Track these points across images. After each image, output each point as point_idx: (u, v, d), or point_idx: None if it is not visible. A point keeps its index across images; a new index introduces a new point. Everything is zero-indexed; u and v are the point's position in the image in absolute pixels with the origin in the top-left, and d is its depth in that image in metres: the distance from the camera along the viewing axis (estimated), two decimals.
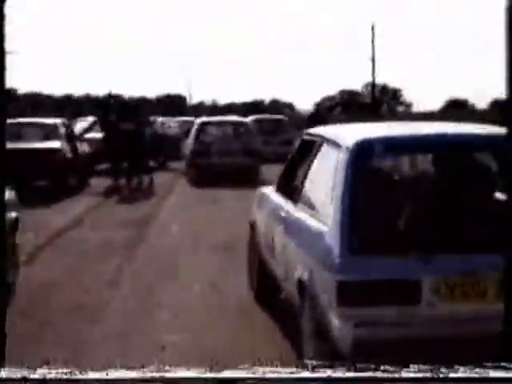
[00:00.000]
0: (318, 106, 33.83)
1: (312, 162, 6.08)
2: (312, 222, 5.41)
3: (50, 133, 18.61)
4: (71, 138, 19.34)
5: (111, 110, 20.17)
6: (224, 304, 7.76)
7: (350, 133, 5.72)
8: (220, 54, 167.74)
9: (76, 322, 7.16)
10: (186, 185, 20.60)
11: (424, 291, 4.65)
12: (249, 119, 25.57)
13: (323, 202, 5.29)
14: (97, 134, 20.82)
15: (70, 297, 8.13)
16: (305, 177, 6.13)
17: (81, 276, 9.18)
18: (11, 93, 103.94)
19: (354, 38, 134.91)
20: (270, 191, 7.43)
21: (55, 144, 18.07)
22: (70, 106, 78.66)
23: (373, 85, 62.79)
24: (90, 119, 22.62)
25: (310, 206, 5.71)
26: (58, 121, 19.64)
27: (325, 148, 5.82)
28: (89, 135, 21.61)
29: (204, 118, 24.18)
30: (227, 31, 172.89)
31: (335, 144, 5.50)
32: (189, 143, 21.67)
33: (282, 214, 6.29)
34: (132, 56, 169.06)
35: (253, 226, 7.95)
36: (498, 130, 5.34)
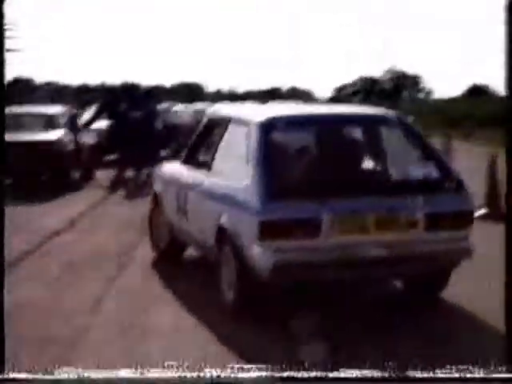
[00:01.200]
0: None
1: (221, 137, 7.41)
2: (230, 182, 6.74)
3: (48, 123, 17.09)
4: (74, 127, 17.75)
5: (119, 98, 18.63)
6: None
7: (255, 113, 7.22)
8: (236, 41, 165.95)
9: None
10: None
11: (322, 226, 6.06)
12: None
13: (238, 166, 6.61)
14: (104, 123, 19.28)
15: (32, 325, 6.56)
16: (215, 150, 7.44)
17: (56, 298, 7.53)
18: (28, 82, 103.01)
19: (374, 22, 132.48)
20: (173, 165, 8.70)
21: (53, 135, 16.56)
22: (87, 96, 77.12)
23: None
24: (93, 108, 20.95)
25: (225, 171, 7.04)
26: (58, 109, 18.06)
27: (232, 125, 7.22)
28: (95, 125, 20.12)
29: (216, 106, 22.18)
30: (244, 16, 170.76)
31: (244, 122, 6.97)
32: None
33: (196, 181, 7.56)
34: (148, 44, 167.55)
35: (156, 197, 9.00)
36: (372, 111, 7.67)
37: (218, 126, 7.71)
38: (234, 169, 6.80)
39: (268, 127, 6.61)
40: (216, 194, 6.97)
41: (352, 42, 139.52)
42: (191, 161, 8.12)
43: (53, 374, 4.96)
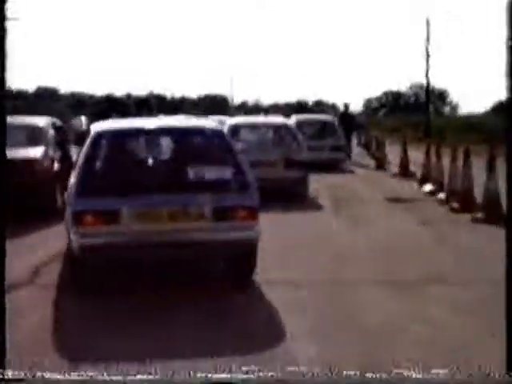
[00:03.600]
0: (346, 106, 28.83)
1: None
2: (72, 181, 7.77)
3: (31, 137, 13.70)
4: (63, 143, 14.40)
5: (108, 108, 15.43)
6: None
7: (99, 125, 8.68)
8: (263, 54, 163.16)
9: None
10: None
11: (122, 216, 7.26)
12: (291, 120, 20.29)
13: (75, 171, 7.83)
14: None
15: None
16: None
17: None
18: (53, 92, 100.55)
19: (398, 38, 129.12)
20: None
21: (35, 151, 13.19)
22: (111, 105, 74.40)
23: (427, 87, 56.89)
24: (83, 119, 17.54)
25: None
26: (43, 121, 14.63)
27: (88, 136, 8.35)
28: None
29: (237, 118, 18.73)
30: (271, 30, 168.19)
31: (90, 133, 8.36)
32: None
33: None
34: (175, 56, 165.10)
35: None
36: (194, 123, 9.80)
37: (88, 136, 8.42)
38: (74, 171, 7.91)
39: (97, 138, 7.99)
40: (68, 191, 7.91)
41: (378, 56, 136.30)
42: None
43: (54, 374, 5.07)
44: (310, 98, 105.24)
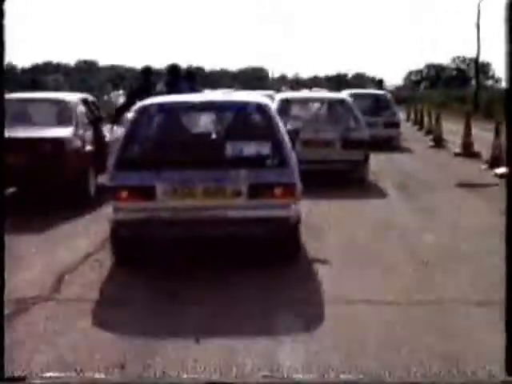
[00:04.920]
0: (380, 82, 26.80)
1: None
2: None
3: (60, 114, 12.00)
4: (96, 121, 12.70)
5: (152, 80, 13.83)
6: None
7: (145, 101, 8.22)
8: (302, 27, 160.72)
9: None
10: None
11: (157, 192, 7.11)
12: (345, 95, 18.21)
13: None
14: None
15: None
16: None
17: None
18: (92, 65, 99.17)
19: (443, 10, 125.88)
20: None
21: (64, 131, 11.48)
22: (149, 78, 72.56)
23: (476, 60, 54.49)
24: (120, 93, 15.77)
25: None
26: (74, 97, 12.89)
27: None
28: (129, 117, 15.18)
29: (287, 93, 16.69)
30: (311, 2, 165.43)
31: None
32: None
33: None
34: (214, 28, 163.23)
35: None
36: (241, 98, 9.31)
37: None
38: None
39: (140, 112, 7.79)
40: None
41: (421, 28, 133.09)
42: None
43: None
44: (350, 71, 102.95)
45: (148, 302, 6.58)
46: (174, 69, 14.75)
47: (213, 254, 8.11)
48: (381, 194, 12.82)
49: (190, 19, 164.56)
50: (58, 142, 11.05)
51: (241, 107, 8.13)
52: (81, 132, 11.87)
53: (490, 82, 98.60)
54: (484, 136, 19.50)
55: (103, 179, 13.03)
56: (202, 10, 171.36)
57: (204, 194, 7.17)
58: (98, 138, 12.50)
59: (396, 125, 21.48)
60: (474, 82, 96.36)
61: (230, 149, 7.41)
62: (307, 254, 8.12)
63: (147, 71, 14.33)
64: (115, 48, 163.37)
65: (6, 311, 6.14)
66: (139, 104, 8.14)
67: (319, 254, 8.09)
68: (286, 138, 7.58)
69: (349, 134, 13.68)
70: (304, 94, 16.12)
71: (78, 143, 11.63)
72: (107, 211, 7.51)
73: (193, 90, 13.66)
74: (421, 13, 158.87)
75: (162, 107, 8.03)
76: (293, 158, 7.43)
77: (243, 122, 8.03)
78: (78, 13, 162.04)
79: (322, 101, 14.79)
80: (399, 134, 22.01)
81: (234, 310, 6.25)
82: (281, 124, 7.82)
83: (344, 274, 7.32)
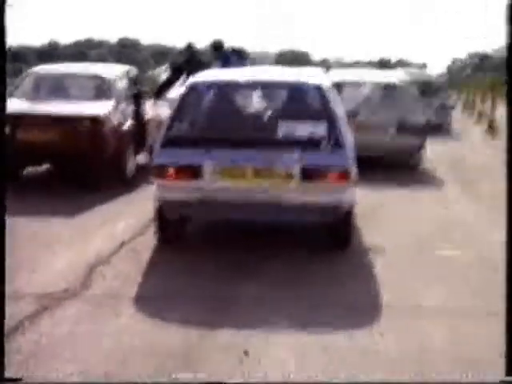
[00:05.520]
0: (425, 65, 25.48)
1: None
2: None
3: (97, 89, 11.15)
4: (136, 98, 11.85)
5: (198, 56, 13.05)
6: None
7: (196, 77, 7.79)
8: (344, 12, 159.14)
9: None
10: None
11: (204, 172, 6.71)
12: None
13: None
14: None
15: None
16: None
17: None
18: (135, 43, 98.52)
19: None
20: None
21: (100, 108, 10.60)
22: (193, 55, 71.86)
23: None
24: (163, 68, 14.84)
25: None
26: (114, 70, 11.99)
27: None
28: (173, 93, 14.34)
29: (338, 72, 15.53)
30: None
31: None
32: None
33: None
34: (256, 11, 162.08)
35: None
36: (294, 77, 7.84)
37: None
38: None
39: (191, 89, 7.29)
40: None
41: (467, 16, 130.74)
42: None
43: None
44: (392, 57, 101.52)
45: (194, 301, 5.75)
46: (219, 44, 13.96)
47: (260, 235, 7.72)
48: (440, 183, 11.86)
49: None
50: (95, 119, 10.21)
51: (295, 87, 7.52)
52: (120, 108, 11.03)
53: None
54: None
55: (142, 159, 12.38)
56: None
57: (253, 176, 6.73)
58: (139, 115, 11.68)
59: (448, 109, 20.37)
60: None
61: (282, 129, 6.93)
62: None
63: (191, 47, 13.47)
64: (156, 27, 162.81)
65: (30, 308, 5.41)
66: (190, 80, 7.67)
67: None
68: (343, 120, 7.13)
69: (404, 118, 12.71)
70: (357, 74, 14.99)
71: (117, 120, 10.80)
72: (152, 190, 7.11)
73: (244, 65, 12.83)
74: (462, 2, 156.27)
75: (213, 84, 7.43)
76: (349, 140, 6.96)
77: (297, 102, 7.41)
78: None
79: (375, 83, 13.72)
80: (451, 119, 20.90)
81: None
82: (337, 105, 7.32)
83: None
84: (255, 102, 7.49)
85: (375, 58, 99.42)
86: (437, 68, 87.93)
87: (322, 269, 6.70)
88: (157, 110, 12.53)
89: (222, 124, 7.13)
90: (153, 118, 12.26)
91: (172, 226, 7.41)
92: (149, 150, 12.05)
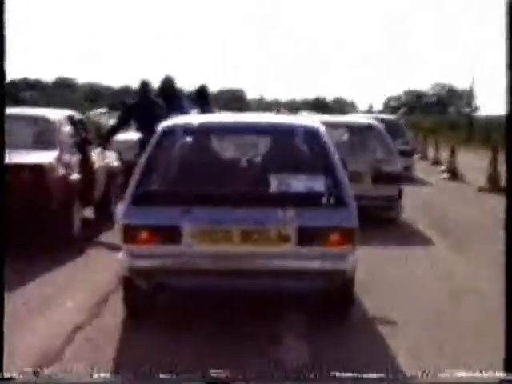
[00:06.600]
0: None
1: None
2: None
3: (41, 136, 9.73)
4: (83, 143, 10.38)
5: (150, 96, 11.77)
6: None
7: (171, 120, 6.90)
8: (280, 51, 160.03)
9: None
10: None
11: (183, 234, 5.67)
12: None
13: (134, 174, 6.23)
14: (134, 135, 12.16)
15: None
16: None
17: None
18: (70, 83, 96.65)
19: (417, 38, 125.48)
20: None
21: (45, 156, 9.17)
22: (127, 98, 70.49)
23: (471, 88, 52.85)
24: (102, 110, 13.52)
25: None
26: (58, 114, 10.52)
27: None
28: (121, 136, 13.01)
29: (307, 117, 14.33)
30: (287, 27, 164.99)
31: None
32: None
33: None
34: (190, 49, 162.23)
35: None
36: (287, 121, 7.58)
37: None
38: None
39: (163, 136, 6.29)
40: None
41: (399, 55, 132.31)
42: None
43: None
44: (328, 96, 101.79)
45: None
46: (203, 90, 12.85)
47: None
48: (424, 239, 10.60)
49: (165, 38, 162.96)
50: (37, 169, 8.75)
51: (287, 132, 6.62)
52: (65, 157, 9.57)
53: (467, 110, 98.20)
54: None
55: (89, 213, 10.91)
56: (177, 29, 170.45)
57: (241, 239, 5.75)
58: (86, 164, 10.20)
59: (410, 153, 19.17)
60: (451, 109, 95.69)
61: (274, 182, 5.98)
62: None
63: (146, 86, 11.99)
64: (93, 66, 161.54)
65: None
66: (162, 124, 6.61)
67: None
68: (343, 171, 6.11)
69: (379, 166, 11.50)
70: (328, 118, 13.85)
71: (62, 170, 9.33)
72: (118, 256, 5.98)
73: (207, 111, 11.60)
74: (396, 39, 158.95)
75: (192, 128, 6.52)
76: (351, 195, 5.90)
77: (290, 149, 6.54)
78: (58, 31, 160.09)
79: (348, 126, 12.47)
80: (414, 163, 19.80)
81: None
82: (336, 153, 6.26)
83: None
84: (241, 151, 6.67)
85: (310, 96, 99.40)
86: (375, 106, 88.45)
87: None
88: (105, 158, 11.16)
89: (202, 177, 6.21)
90: (101, 168, 10.85)
91: (142, 297, 6.20)
92: (97, 203, 10.69)
